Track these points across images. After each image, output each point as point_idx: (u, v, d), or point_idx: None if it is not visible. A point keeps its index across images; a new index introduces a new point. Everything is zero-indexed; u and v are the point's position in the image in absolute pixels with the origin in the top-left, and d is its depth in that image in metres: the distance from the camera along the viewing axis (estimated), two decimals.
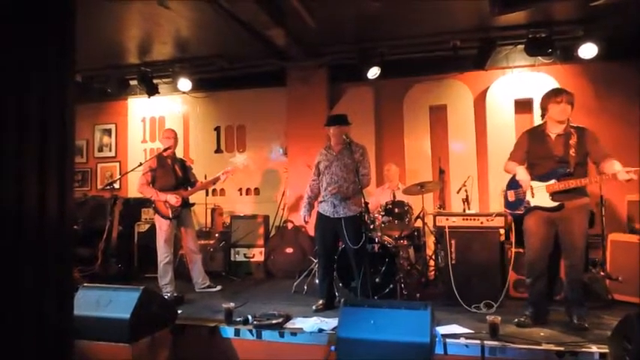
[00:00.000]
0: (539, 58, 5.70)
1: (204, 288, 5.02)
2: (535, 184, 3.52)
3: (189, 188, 5.03)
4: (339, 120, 4.38)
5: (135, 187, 7.14)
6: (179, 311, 3.77)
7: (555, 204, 3.43)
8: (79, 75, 6.85)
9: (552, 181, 3.44)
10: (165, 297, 4.20)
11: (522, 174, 3.56)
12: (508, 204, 3.73)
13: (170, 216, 4.78)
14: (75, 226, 5.82)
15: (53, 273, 1.95)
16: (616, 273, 4.28)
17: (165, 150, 4.97)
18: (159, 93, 6.97)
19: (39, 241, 1.94)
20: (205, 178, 6.31)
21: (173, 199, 4.75)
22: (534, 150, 3.61)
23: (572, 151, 3.42)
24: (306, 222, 4.50)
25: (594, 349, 2.97)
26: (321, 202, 4.33)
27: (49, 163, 1.97)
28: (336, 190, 4.15)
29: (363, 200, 4.02)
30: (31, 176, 1.91)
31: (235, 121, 7.19)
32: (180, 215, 4.87)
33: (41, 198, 1.92)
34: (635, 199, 4.74)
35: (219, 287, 5.02)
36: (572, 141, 3.43)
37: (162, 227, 4.81)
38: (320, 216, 4.31)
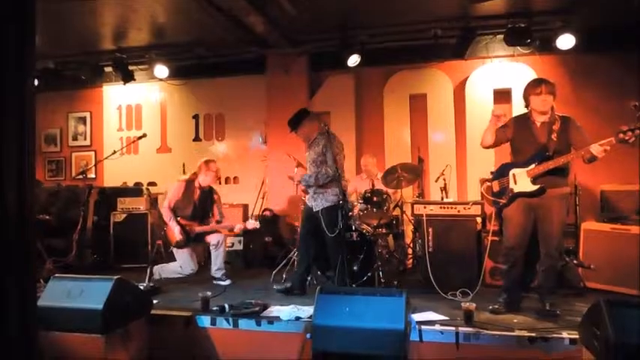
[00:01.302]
0: (518, 48, 5.75)
1: (216, 279, 4.85)
2: (517, 170, 3.56)
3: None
4: (290, 125, 4.36)
5: (111, 176, 7.14)
6: (155, 301, 3.72)
7: (536, 187, 3.47)
8: (51, 61, 6.68)
9: (532, 166, 3.48)
10: (142, 285, 4.12)
11: (498, 109, 3.66)
12: (493, 194, 3.76)
13: (173, 244, 4.75)
14: (47, 217, 5.69)
15: (15, 262, 1.89)
16: (588, 261, 4.35)
17: (195, 178, 4.83)
18: (135, 80, 6.83)
19: None
20: (184, 168, 6.27)
21: (180, 236, 4.68)
22: (519, 136, 3.64)
23: (553, 136, 3.46)
24: None
25: (565, 334, 3.02)
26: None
27: (7, 150, 1.90)
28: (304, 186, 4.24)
29: (338, 190, 4.03)
30: None
31: (214, 109, 7.10)
32: (197, 241, 4.85)
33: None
34: (608, 189, 4.83)
35: (228, 281, 4.81)
36: (555, 127, 3.48)
37: (177, 252, 4.78)
38: (305, 206, 4.41)
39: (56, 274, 3.50)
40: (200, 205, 4.87)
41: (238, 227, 4.93)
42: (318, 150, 4.19)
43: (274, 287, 4.33)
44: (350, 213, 4.68)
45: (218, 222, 4.99)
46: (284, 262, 5.21)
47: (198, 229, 4.83)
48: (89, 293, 3.14)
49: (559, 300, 3.70)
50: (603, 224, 4.57)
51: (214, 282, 4.82)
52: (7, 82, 1.93)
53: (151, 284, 4.51)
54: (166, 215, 4.75)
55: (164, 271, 4.83)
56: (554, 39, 5.38)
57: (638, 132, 3.03)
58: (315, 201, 4.23)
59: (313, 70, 6.59)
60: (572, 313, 3.54)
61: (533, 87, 3.56)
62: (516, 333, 3.09)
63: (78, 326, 3.03)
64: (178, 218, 4.77)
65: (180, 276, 4.79)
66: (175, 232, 4.70)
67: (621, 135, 3.08)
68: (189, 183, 4.83)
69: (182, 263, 4.77)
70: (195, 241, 4.86)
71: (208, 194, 4.96)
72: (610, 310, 2.51)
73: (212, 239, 4.87)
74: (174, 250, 4.81)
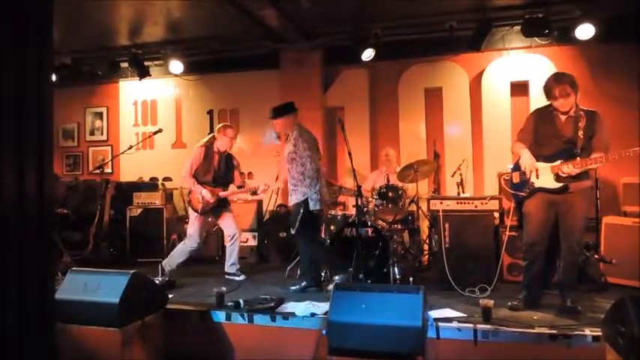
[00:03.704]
0: (536, 39, 5.61)
1: (229, 274, 4.82)
2: (540, 164, 3.48)
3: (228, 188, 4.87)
4: (272, 112, 4.40)
5: (127, 171, 7.20)
6: (170, 296, 3.74)
7: (559, 185, 3.39)
8: (68, 57, 6.74)
9: (558, 162, 3.39)
10: (157, 280, 4.15)
11: (526, 158, 3.53)
12: (512, 185, 3.68)
13: (199, 211, 4.67)
14: (65, 211, 5.76)
15: (34, 257, 1.90)
16: (610, 256, 4.26)
17: (213, 142, 4.78)
18: (150, 75, 6.85)
19: (18, 226, 1.88)
20: None
21: (208, 194, 4.62)
22: (542, 130, 3.55)
23: (580, 133, 3.37)
24: None
25: (587, 332, 2.96)
26: None
27: (27, 146, 1.90)
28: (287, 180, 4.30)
29: (307, 190, 4.12)
30: (7, 159, 1.84)
31: (228, 104, 7.09)
32: (216, 213, 4.78)
33: (19, 183, 1.86)
34: (630, 182, 4.71)
35: (243, 277, 4.78)
36: (582, 123, 3.38)
37: (191, 218, 4.75)
38: None
39: (74, 268, 3.53)
40: (220, 170, 4.77)
41: (262, 188, 4.79)
42: (290, 147, 4.25)
43: (291, 288, 4.28)
44: (365, 209, 4.64)
45: (239, 187, 4.90)
46: (298, 257, 5.19)
47: (222, 194, 4.75)
48: (106, 287, 3.17)
49: (580, 296, 3.62)
50: (625, 218, 4.49)
51: (227, 277, 4.80)
52: (27, 79, 1.93)
53: (166, 279, 4.53)
54: (188, 182, 4.66)
55: (171, 260, 4.73)
56: (572, 29, 5.24)
57: None
58: (290, 196, 4.28)
59: (327, 64, 6.53)
60: (594, 309, 3.47)
61: (549, 90, 3.46)
62: (537, 330, 3.03)
63: (95, 319, 3.06)
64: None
65: (186, 257, 4.69)
66: (204, 194, 4.59)
67: None
68: (208, 148, 4.75)
69: (192, 232, 4.68)
70: (216, 210, 4.76)
71: (228, 160, 4.86)
72: (636, 306, 2.43)
73: (227, 231, 4.84)
74: (190, 218, 4.74)
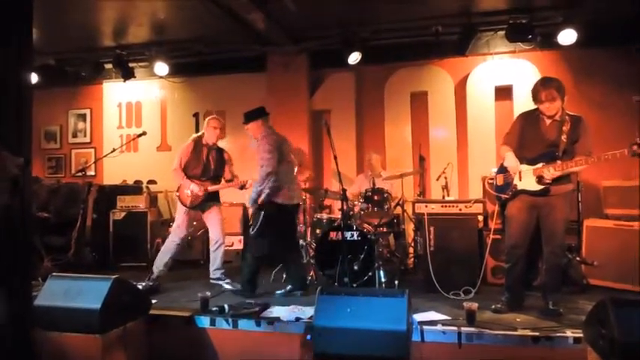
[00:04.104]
0: (520, 44, 5.69)
1: (214, 279, 4.74)
2: (523, 167, 3.52)
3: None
4: (245, 116, 4.45)
5: (111, 174, 7.11)
6: (153, 301, 3.69)
7: (541, 187, 3.43)
8: (51, 58, 6.64)
9: (540, 165, 3.44)
10: (140, 284, 4.09)
11: (511, 160, 3.57)
12: (496, 188, 3.73)
13: (188, 205, 4.64)
14: (46, 214, 5.66)
15: (10, 263, 1.86)
16: (591, 258, 4.33)
17: (202, 136, 4.78)
18: (135, 77, 6.78)
19: None
20: None
21: (196, 188, 4.60)
22: (527, 133, 3.60)
23: (563, 137, 3.42)
24: None
25: (569, 333, 2.99)
26: None
27: (6, 148, 1.86)
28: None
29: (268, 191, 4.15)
30: None
31: (215, 107, 7.02)
32: (205, 207, 4.73)
33: None
34: (611, 185, 4.79)
35: (228, 280, 4.67)
36: (566, 128, 3.43)
37: (179, 213, 4.74)
38: None
39: (54, 273, 3.46)
40: (209, 164, 4.74)
41: (250, 182, 4.70)
42: (259, 150, 4.27)
43: (276, 293, 4.26)
44: (350, 212, 4.65)
45: (229, 181, 4.85)
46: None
47: (211, 188, 4.70)
48: (87, 292, 3.10)
49: (562, 298, 3.66)
50: (606, 220, 4.55)
51: (212, 282, 4.73)
52: (6, 79, 1.90)
53: (150, 284, 4.48)
54: (178, 176, 4.67)
55: (158, 261, 4.68)
56: (555, 34, 5.32)
57: None
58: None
59: (314, 67, 6.53)
60: (576, 311, 3.51)
61: (536, 94, 3.52)
62: (520, 332, 3.06)
63: (75, 326, 3.00)
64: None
65: (172, 253, 4.65)
66: (192, 187, 4.59)
67: (635, 147, 3.05)
68: (197, 142, 4.75)
69: (178, 223, 4.67)
70: (205, 204, 4.71)
71: (218, 154, 4.82)
72: (616, 308, 2.47)
73: (212, 234, 4.78)
74: (178, 210, 4.72)
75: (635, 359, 2.37)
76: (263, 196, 4.15)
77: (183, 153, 4.73)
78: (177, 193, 4.74)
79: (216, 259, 4.77)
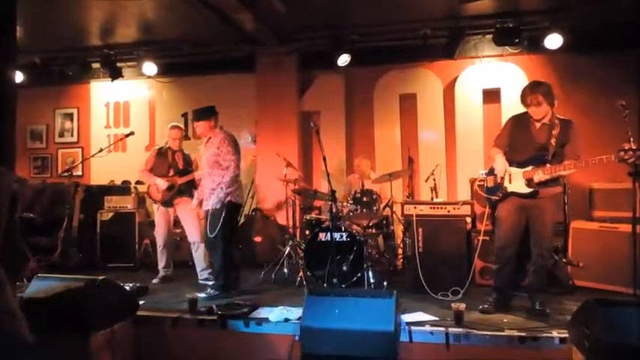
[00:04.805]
0: (507, 48, 5.75)
1: (202, 280, 4.78)
2: (513, 170, 3.56)
3: None
4: (194, 114, 4.45)
5: (98, 174, 7.04)
6: (141, 302, 3.65)
7: (530, 190, 3.47)
8: (37, 56, 6.55)
9: (529, 168, 3.48)
10: (127, 286, 4.06)
11: (499, 162, 3.61)
12: (487, 189, 3.77)
13: (159, 200, 4.89)
14: (32, 215, 5.58)
15: None
16: (577, 259, 4.38)
17: (166, 147, 5.09)
18: (123, 77, 6.72)
19: None
20: None
21: (161, 181, 4.84)
22: (517, 135, 3.64)
23: (553, 141, 3.45)
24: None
25: (555, 334, 3.02)
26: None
27: None
28: (206, 184, 4.28)
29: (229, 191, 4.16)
30: None
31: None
32: (174, 203, 4.94)
33: None
34: (598, 187, 4.86)
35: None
36: (555, 131, 3.47)
37: (155, 212, 5.03)
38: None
39: (39, 274, 3.42)
40: (175, 163, 5.00)
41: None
42: (212, 151, 4.26)
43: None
44: (340, 213, 4.66)
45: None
46: (274, 262, 5.16)
47: (180, 180, 4.89)
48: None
49: (548, 299, 3.71)
50: (592, 222, 4.61)
51: (200, 282, 4.75)
52: None
53: (139, 284, 4.43)
54: (145, 176, 5.00)
55: (159, 263, 5.01)
56: (542, 39, 5.40)
57: (639, 153, 3.04)
58: (207, 200, 4.23)
59: (303, 68, 6.54)
60: (562, 311, 3.55)
61: (523, 98, 3.56)
62: (506, 333, 3.09)
63: (63, 327, 2.95)
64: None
65: (165, 254, 5.03)
66: (157, 182, 4.85)
67: (622, 153, 3.09)
68: (162, 147, 5.13)
69: (156, 224, 5.01)
70: (175, 198, 4.92)
71: (184, 156, 5.08)
72: (599, 309, 2.51)
73: (189, 236, 4.94)
74: (155, 213, 5.02)
75: (619, 359, 2.41)
76: (230, 197, 4.18)
77: (148, 157, 5.09)
78: (148, 192, 5.03)
79: (199, 261, 4.84)
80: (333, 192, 3.98)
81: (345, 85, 6.49)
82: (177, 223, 5.73)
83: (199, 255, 4.83)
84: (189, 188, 4.95)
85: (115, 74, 6.57)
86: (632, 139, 3.12)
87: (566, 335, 2.92)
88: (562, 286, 4.27)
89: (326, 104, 6.52)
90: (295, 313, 3.38)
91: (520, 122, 3.66)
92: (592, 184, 4.94)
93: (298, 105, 6.54)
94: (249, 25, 5.45)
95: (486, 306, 3.61)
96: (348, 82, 6.49)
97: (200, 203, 4.43)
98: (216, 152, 4.22)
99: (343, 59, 5.84)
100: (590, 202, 4.91)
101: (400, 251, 5.38)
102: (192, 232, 4.86)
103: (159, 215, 4.99)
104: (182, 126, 5.33)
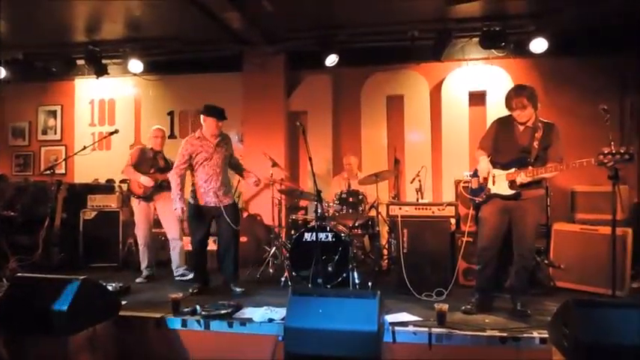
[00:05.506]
0: (493, 51, 5.82)
1: (178, 276, 4.93)
2: (497, 171, 3.60)
3: None
4: (218, 114, 4.38)
5: (82, 172, 6.95)
6: (123, 302, 3.62)
7: (512, 192, 3.51)
8: (20, 52, 6.44)
9: (512, 170, 3.52)
10: (110, 285, 4.01)
11: (483, 164, 3.66)
12: (471, 191, 3.81)
13: (141, 194, 4.91)
14: (12, 213, 5.48)
15: None
16: (558, 261, 4.45)
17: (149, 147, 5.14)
18: (108, 74, 6.64)
19: None
20: None
21: (146, 179, 4.88)
22: (501, 138, 3.69)
23: (535, 143, 3.50)
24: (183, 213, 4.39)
25: (535, 334, 3.07)
26: (201, 192, 4.32)
27: None
28: (220, 182, 4.33)
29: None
30: None
31: (190, 106, 6.95)
32: (154, 198, 4.98)
33: None
34: (580, 190, 4.94)
35: (191, 275, 4.78)
36: (538, 134, 3.52)
37: (136, 209, 5.02)
38: (199, 207, 4.33)
39: (19, 274, 3.37)
40: (157, 162, 5.05)
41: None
42: (230, 150, 4.51)
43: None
44: (325, 214, 4.66)
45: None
46: (259, 262, 5.16)
47: (161, 177, 4.94)
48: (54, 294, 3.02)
49: (530, 300, 3.76)
50: (573, 225, 4.68)
51: (178, 279, 4.85)
52: None
53: (121, 284, 4.38)
54: (129, 171, 4.98)
55: (142, 262, 5.03)
56: (527, 42, 5.47)
57: (618, 157, 3.09)
58: (219, 197, 4.31)
59: (291, 68, 6.53)
60: (543, 312, 3.60)
61: (508, 101, 3.60)
62: (488, 333, 3.12)
63: (41, 328, 2.91)
64: None
65: (147, 252, 5.06)
66: (141, 180, 4.88)
67: (601, 157, 3.15)
68: (143, 147, 5.20)
69: (137, 224, 5.02)
70: (155, 192, 4.98)
71: (165, 159, 5.12)
72: (579, 309, 2.55)
73: (168, 232, 4.99)
74: (134, 210, 5.04)
75: (597, 358, 2.45)
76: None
77: (132, 152, 5.14)
78: (129, 186, 5.11)
79: (175, 260, 4.96)
80: (319, 192, 3.99)
81: (333, 85, 6.50)
82: (159, 223, 5.70)
83: (175, 254, 4.95)
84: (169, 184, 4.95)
85: (100, 71, 6.49)
86: (612, 143, 3.18)
87: (547, 335, 2.96)
88: (543, 287, 4.33)
89: (313, 104, 6.52)
90: (279, 313, 3.38)
91: (504, 125, 3.71)
92: (574, 187, 5.01)
93: (286, 105, 6.53)
94: (236, 24, 5.44)
95: (469, 307, 3.64)
96: (335, 82, 6.51)
97: (182, 210, 4.33)
98: (230, 151, 4.47)
99: (331, 60, 5.86)
100: (572, 204, 4.99)
101: (385, 252, 5.40)
102: (172, 229, 4.93)
103: (139, 211, 5.00)
104: (164, 129, 5.35)
